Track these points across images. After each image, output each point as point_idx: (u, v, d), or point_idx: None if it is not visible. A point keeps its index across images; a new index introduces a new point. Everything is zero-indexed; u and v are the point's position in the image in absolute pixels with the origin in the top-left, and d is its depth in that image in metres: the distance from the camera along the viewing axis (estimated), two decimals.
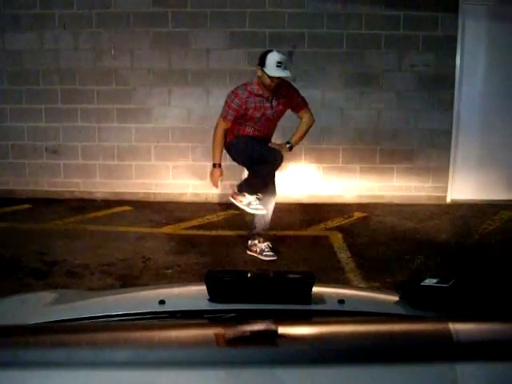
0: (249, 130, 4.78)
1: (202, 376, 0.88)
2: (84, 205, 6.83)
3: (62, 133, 7.02)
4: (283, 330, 1.13)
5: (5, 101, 6.96)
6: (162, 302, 1.49)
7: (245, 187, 4.87)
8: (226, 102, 4.68)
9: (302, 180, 7.01)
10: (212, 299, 1.50)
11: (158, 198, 7.07)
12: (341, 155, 6.99)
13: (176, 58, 6.79)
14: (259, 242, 5.08)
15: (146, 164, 7.06)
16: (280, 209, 6.68)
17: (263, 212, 4.91)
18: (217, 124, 4.79)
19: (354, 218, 6.44)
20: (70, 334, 1.09)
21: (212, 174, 4.98)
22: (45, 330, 1.14)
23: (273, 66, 4.40)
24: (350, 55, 6.74)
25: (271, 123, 4.84)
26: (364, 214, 6.54)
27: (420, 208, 6.77)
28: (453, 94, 6.81)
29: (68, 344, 1.00)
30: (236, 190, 4.95)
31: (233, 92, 4.69)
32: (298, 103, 4.79)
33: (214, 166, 4.91)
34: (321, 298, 1.53)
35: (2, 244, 5.28)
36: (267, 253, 5.00)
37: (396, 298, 1.58)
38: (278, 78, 4.46)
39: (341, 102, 6.86)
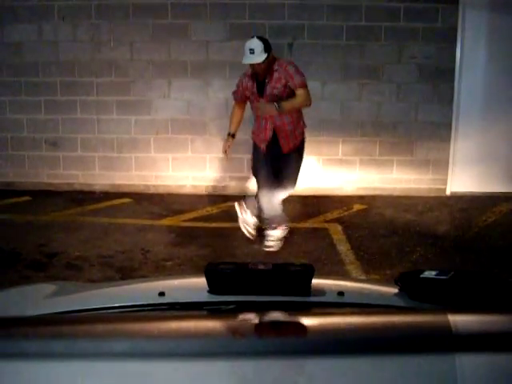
0: (254, 118, 5.03)
1: (201, 367, 0.88)
2: (83, 197, 6.83)
3: (61, 125, 7.01)
4: (283, 321, 1.13)
5: (4, 93, 6.94)
6: (161, 294, 1.50)
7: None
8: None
9: (302, 172, 6.99)
10: (212, 291, 1.50)
11: (158, 190, 7.07)
12: (340, 147, 6.98)
13: (175, 50, 6.78)
14: (281, 229, 5.07)
15: (146, 156, 7.05)
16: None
17: (250, 237, 5.15)
18: None
19: (354, 210, 6.44)
20: (70, 325, 1.09)
21: (224, 143, 5.29)
22: (44, 322, 1.14)
23: (246, 53, 4.61)
24: (350, 47, 6.72)
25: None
26: (363, 207, 6.54)
27: (420, 200, 6.77)
28: (453, 86, 6.79)
29: (68, 335, 1.00)
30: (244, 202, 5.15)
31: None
32: (293, 84, 4.71)
33: (228, 134, 5.22)
34: (320, 290, 1.53)
35: (2, 236, 5.29)
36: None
37: (395, 290, 1.58)
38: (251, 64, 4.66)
39: (341, 94, 6.85)
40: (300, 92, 4.73)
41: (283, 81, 4.69)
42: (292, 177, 4.96)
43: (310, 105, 4.86)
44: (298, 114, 4.91)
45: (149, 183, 7.12)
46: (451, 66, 6.74)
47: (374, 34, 6.69)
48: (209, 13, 6.68)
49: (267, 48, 4.59)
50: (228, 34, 6.72)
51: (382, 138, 6.95)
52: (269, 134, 4.84)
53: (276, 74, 4.71)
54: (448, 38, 6.67)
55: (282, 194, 4.96)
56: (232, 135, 5.17)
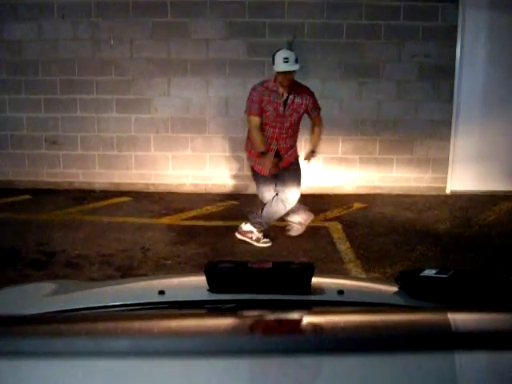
0: (265, 136, 4.92)
1: (201, 365, 0.88)
2: (83, 195, 6.82)
3: (61, 123, 7.01)
4: (282, 320, 1.14)
5: (4, 91, 6.93)
6: (161, 293, 1.50)
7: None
8: (248, 98, 4.91)
9: (302, 171, 6.99)
10: (211, 289, 1.50)
11: (158, 189, 7.07)
12: (340, 146, 6.98)
13: (175, 48, 6.77)
14: (257, 230, 5.15)
15: (146, 154, 7.05)
16: None
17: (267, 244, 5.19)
18: (248, 122, 4.96)
19: (354, 208, 6.44)
20: (70, 323, 1.09)
21: (263, 163, 4.95)
22: (44, 320, 1.14)
23: (280, 62, 4.65)
24: (350, 45, 6.72)
25: (283, 125, 4.89)
26: (363, 205, 6.54)
27: (419, 199, 6.77)
28: (453, 85, 6.79)
29: (68, 334, 1.00)
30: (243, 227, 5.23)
31: (251, 89, 4.94)
32: (314, 107, 4.94)
33: (263, 153, 4.91)
34: (320, 289, 1.53)
35: (2, 235, 5.29)
36: (264, 239, 5.20)
37: (395, 289, 1.58)
38: (286, 72, 4.66)
39: (341, 92, 6.84)
40: (319, 118, 5.03)
41: (304, 107, 4.87)
42: (295, 182, 5.08)
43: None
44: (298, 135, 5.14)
45: (149, 182, 7.12)
46: (451, 64, 6.74)
47: (374, 32, 6.68)
48: (209, 11, 6.67)
49: (297, 60, 4.72)
50: (228, 32, 6.71)
51: (381, 136, 6.95)
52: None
53: (299, 99, 4.84)
54: (448, 36, 6.67)
55: (292, 199, 5.06)
56: (267, 151, 4.93)
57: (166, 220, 5.92)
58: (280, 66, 4.66)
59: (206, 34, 6.74)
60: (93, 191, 7.01)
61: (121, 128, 6.99)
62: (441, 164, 7.00)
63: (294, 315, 1.22)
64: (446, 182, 7.05)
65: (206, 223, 5.81)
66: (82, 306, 1.46)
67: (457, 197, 6.87)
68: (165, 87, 6.89)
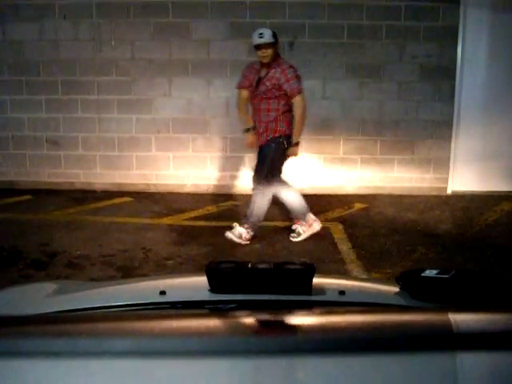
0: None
1: (202, 366, 0.88)
2: (84, 196, 6.83)
3: (62, 124, 7.01)
4: (284, 320, 1.13)
5: (5, 92, 6.94)
6: (162, 293, 1.49)
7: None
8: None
9: (303, 171, 7.00)
10: (213, 290, 1.50)
11: (159, 189, 7.07)
12: (342, 146, 6.98)
13: (176, 49, 6.77)
14: (247, 231, 5.15)
15: (147, 155, 7.06)
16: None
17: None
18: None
19: (355, 209, 6.44)
20: (71, 324, 1.09)
21: (245, 140, 5.28)
22: (45, 321, 1.15)
23: (256, 37, 4.87)
24: (351, 46, 6.72)
25: (255, 102, 5.04)
26: (365, 205, 6.54)
27: (421, 199, 6.76)
28: (454, 85, 6.79)
29: (69, 334, 1.00)
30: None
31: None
32: (290, 89, 4.91)
33: (247, 130, 5.19)
34: (321, 289, 1.53)
35: (3, 235, 5.29)
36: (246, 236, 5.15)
37: (396, 289, 1.58)
38: (260, 46, 4.84)
39: (342, 92, 6.84)
40: (297, 100, 4.93)
41: (274, 81, 4.88)
42: (260, 168, 5.07)
43: (304, 104, 5.00)
44: (285, 116, 5.02)
45: (150, 182, 7.12)
46: (452, 64, 6.74)
47: (375, 32, 6.68)
48: (210, 12, 6.68)
49: (275, 36, 4.87)
50: (229, 32, 6.71)
51: (383, 136, 6.94)
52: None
53: (271, 73, 4.89)
54: (449, 36, 6.67)
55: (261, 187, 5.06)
56: (250, 129, 5.16)
57: (167, 220, 5.92)
58: (254, 40, 4.88)
59: (206, 35, 6.74)
60: (94, 191, 7.02)
61: (122, 128, 6.99)
62: (442, 164, 6.99)
63: (295, 316, 1.22)
64: (447, 182, 7.05)
65: (207, 223, 5.81)
66: (83, 307, 1.46)
67: (458, 197, 6.87)
68: (166, 88, 6.89)
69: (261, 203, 5.08)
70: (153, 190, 7.08)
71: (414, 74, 6.78)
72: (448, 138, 6.92)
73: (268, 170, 5.03)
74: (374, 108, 6.88)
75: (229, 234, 5.13)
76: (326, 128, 6.89)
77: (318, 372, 0.87)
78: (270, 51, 4.83)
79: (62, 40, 6.80)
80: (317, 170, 7.00)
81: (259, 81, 4.94)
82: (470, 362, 0.92)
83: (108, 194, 6.89)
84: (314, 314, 1.33)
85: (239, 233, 5.12)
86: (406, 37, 6.70)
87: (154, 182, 7.12)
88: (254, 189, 5.12)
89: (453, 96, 6.81)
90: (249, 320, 1.20)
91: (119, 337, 0.97)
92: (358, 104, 6.88)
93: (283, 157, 5.08)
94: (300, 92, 4.92)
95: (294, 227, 5.35)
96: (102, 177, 7.12)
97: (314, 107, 6.84)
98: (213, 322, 1.14)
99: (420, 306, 1.45)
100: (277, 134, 5.01)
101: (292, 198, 5.19)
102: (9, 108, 6.99)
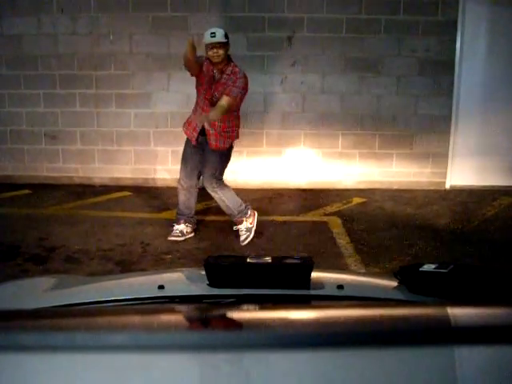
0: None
1: (201, 360, 0.88)
2: (83, 190, 6.83)
3: (60, 118, 7.00)
4: (282, 314, 1.14)
5: (3, 86, 6.93)
6: (161, 287, 1.50)
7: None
8: None
9: (301, 165, 7.00)
10: (211, 284, 1.50)
11: (157, 184, 7.07)
12: (340, 141, 6.97)
13: (175, 43, 6.74)
14: (250, 223, 5.14)
15: (145, 149, 7.05)
16: (279, 194, 6.69)
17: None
18: None
19: (353, 203, 6.44)
20: (69, 318, 1.09)
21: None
22: (44, 315, 1.14)
23: (207, 36, 4.83)
24: (350, 40, 6.71)
25: (206, 99, 4.99)
26: (363, 200, 6.55)
27: (419, 194, 6.77)
28: (453, 80, 6.78)
29: (67, 328, 1.00)
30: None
31: None
32: (228, 90, 4.81)
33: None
34: (320, 283, 1.53)
35: (1, 230, 5.30)
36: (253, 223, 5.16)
37: (395, 284, 1.58)
38: (209, 45, 4.79)
39: (340, 87, 6.83)
40: (226, 98, 4.79)
41: (226, 87, 4.82)
42: (209, 170, 5.05)
43: (231, 109, 4.88)
44: (232, 120, 5.00)
45: (148, 176, 7.12)
46: (451, 59, 6.73)
47: (373, 26, 6.67)
48: (208, 5, 6.66)
49: (227, 37, 4.84)
50: (227, 26, 6.67)
51: (381, 131, 6.94)
52: (197, 129, 5.04)
53: (223, 80, 4.86)
54: (448, 31, 6.66)
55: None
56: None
57: (165, 215, 5.92)
58: (205, 39, 4.82)
59: (205, 29, 6.67)
60: (92, 186, 7.01)
61: (120, 123, 6.98)
62: (440, 159, 7.00)
63: (294, 310, 1.22)
64: (445, 177, 7.05)
65: (206, 218, 5.81)
66: (81, 301, 1.46)
67: (456, 191, 6.88)
68: (164, 82, 6.88)
69: (228, 195, 5.07)
70: (151, 184, 7.08)
71: (413, 68, 6.78)
72: (447, 133, 6.92)
73: (218, 170, 5.07)
74: (373, 102, 6.88)
75: (242, 236, 5.11)
76: (324, 122, 6.88)
77: (317, 366, 0.87)
78: (221, 51, 4.80)
79: (59, 34, 6.78)
80: (315, 164, 7.00)
81: (213, 80, 4.92)
82: (468, 356, 0.92)
83: (107, 189, 6.89)
84: (312, 308, 1.34)
85: (246, 228, 5.11)
86: (405, 31, 6.68)
87: (152, 176, 7.12)
88: (211, 190, 5.07)
89: (451, 90, 6.81)
90: (247, 314, 1.20)
91: (117, 331, 0.97)
92: (357, 98, 6.87)
93: (229, 157, 5.14)
94: (232, 98, 4.78)
95: (236, 228, 5.17)
96: (101, 171, 7.11)
97: (313, 101, 6.84)
98: (211, 317, 1.14)
99: (418, 300, 1.45)
100: (224, 146, 5.01)
101: (229, 195, 5.12)
102: (7, 102, 6.98)
